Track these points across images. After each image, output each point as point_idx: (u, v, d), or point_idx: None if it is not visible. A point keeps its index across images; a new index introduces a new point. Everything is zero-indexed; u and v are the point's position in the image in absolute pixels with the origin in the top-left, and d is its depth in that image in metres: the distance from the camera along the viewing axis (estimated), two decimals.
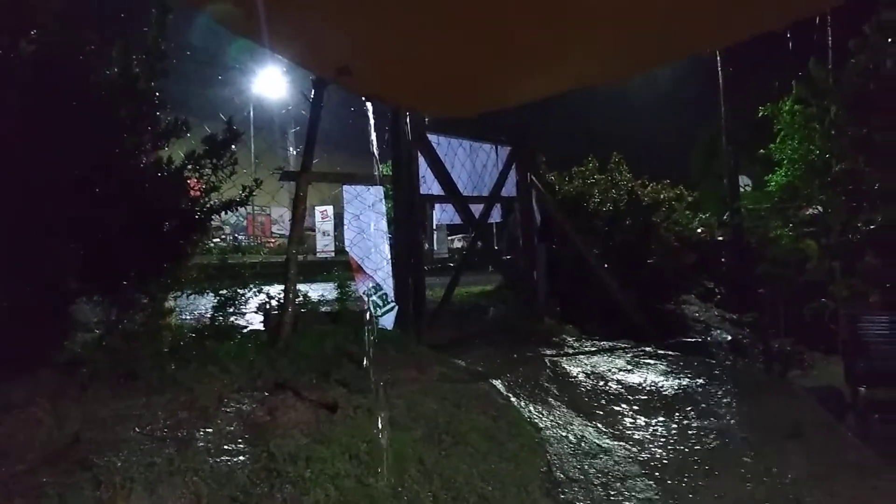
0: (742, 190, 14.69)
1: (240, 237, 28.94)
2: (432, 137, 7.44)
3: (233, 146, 5.32)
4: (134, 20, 5.01)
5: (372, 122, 3.72)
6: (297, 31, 1.75)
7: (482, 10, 1.95)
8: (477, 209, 8.26)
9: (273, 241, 26.26)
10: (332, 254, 22.56)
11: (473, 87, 2.61)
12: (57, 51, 4.54)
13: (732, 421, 5.42)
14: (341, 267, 7.09)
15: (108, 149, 4.75)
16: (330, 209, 24.56)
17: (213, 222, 5.72)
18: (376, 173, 4.62)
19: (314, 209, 24.57)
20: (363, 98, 3.35)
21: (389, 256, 6.71)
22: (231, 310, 5.77)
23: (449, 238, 26.18)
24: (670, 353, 7.27)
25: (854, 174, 9.61)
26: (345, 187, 6.43)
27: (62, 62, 4.56)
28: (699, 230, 14.25)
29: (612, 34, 2.41)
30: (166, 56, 5.05)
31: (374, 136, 3.94)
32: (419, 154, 7.13)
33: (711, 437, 5.16)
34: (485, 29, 2.06)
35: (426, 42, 2.11)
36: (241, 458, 3.82)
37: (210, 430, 4.07)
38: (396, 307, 6.70)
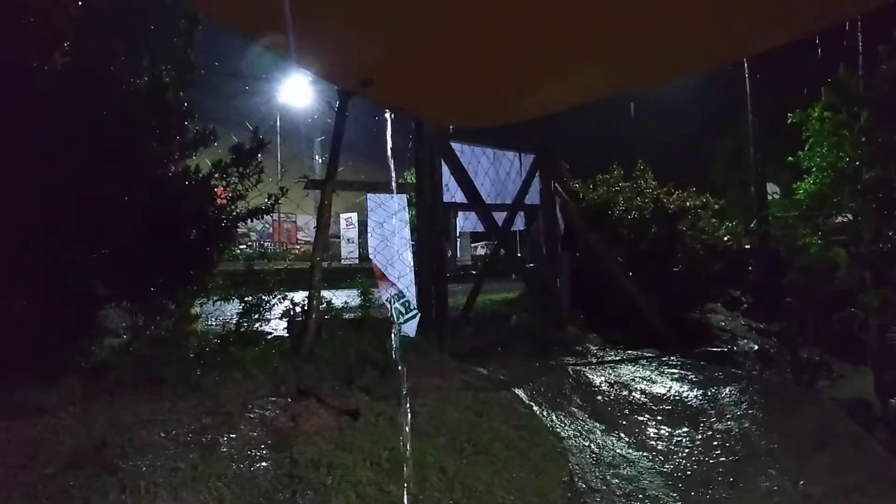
0: (770, 198, 14.52)
1: (266, 243, 29.31)
2: (456, 146, 7.46)
3: (259, 155, 5.38)
4: (163, 31, 5.10)
5: (389, 131, 3.75)
6: (320, 43, 1.78)
7: (505, 22, 1.96)
8: (500, 217, 8.26)
9: (298, 247, 26.48)
10: (357, 260, 22.69)
11: (496, 99, 2.62)
12: (86, 62, 4.63)
13: (758, 432, 5.34)
14: (365, 274, 7.13)
15: (136, 157, 4.83)
16: (354, 216, 24.70)
17: (239, 229, 5.78)
18: (394, 182, 4.63)
19: (339, 217, 24.74)
20: (386, 109, 3.37)
21: (412, 264, 6.73)
22: (256, 316, 5.81)
23: (472, 245, 26.17)
24: (695, 362, 7.20)
25: (885, 182, 9.44)
26: (368, 195, 6.45)
27: (91, 73, 4.65)
28: (726, 238, 14.08)
29: (634, 45, 2.41)
30: (195, 67, 5.13)
31: (390, 144, 3.96)
32: (442, 162, 7.15)
33: (736, 448, 5.10)
34: (508, 40, 2.07)
35: (448, 53, 2.12)
36: (264, 463, 3.86)
37: (234, 435, 4.11)
38: (419, 315, 6.72)
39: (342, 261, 23.86)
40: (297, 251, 25.10)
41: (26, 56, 4.27)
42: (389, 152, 3.96)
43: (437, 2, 1.80)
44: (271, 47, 1.91)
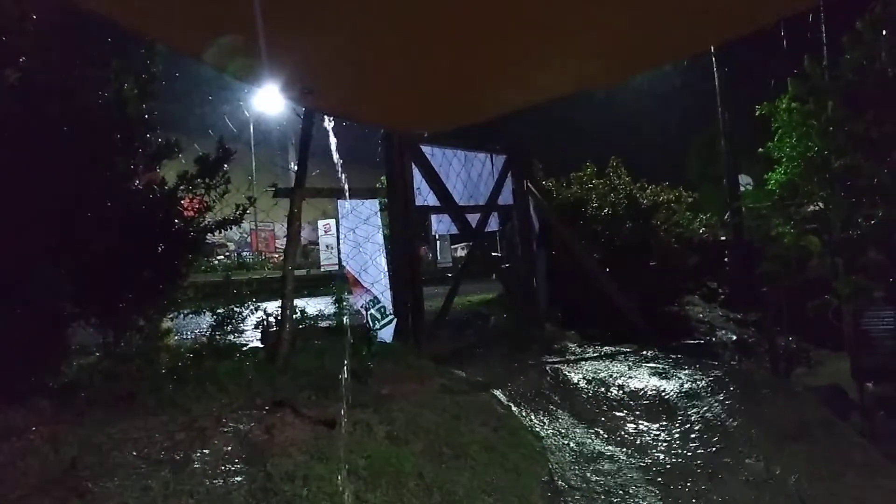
0: (743, 189, 14.68)
1: (244, 253, 29.05)
2: (426, 149, 7.44)
3: (225, 165, 5.32)
4: (124, 43, 5.01)
5: (332, 137, 3.74)
6: (255, 52, 1.74)
7: (449, 24, 1.94)
8: (474, 219, 8.25)
9: (277, 256, 26.30)
10: (336, 267, 22.56)
11: (445, 102, 2.60)
12: (44, 77, 4.55)
13: (735, 423, 5.37)
14: (342, 280, 7.09)
15: (99, 172, 4.76)
16: (333, 223, 24.54)
17: (216, 240, 5.72)
18: (346, 187, 4.63)
19: (317, 223, 24.61)
20: (331, 117, 3.35)
21: (386, 269, 6.72)
22: (229, 328, 5.75)
23: (452, 247, 26.14)
24: (672, 356, 7.23)
25: (853, 170, 9.57)
26: (339, 202, 6.46)
27: (50, 87, 4.58)
28: (702, 231, 14.21)
29: (591, 42, 2.40)
30: (157, 78, 5.06)
31: (335, 149, 3.95)
32: (413, 166, 7.13)
33: (714, 440, 5.13)
34: (454, 42, 2.05)
35: (395, 57, 2.10)
36: (238, 478, 3.80)
37: (207, 451, 4.05)
38: (395, 319, 6.71)
39: (321, 268, 23.71)
40: (275, 260, 24.92)
41: None
42: (336, 157, 3.94)
43: (380, 5, 1.77)
44: (202, 58, 1.87)
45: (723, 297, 12.88)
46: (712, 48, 14.48)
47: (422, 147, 7.33)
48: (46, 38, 4.56)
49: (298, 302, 6.20)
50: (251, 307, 5.97)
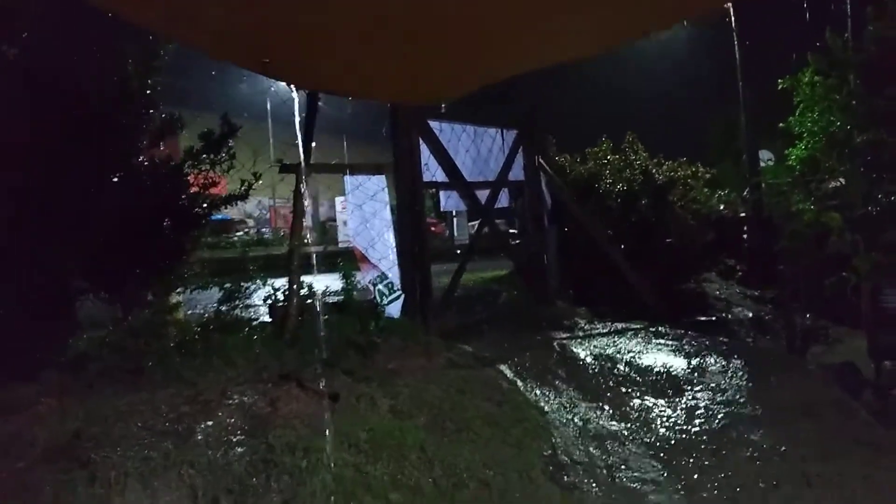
0: (764, 164, 14.42)
1: (264, 230, 29.24)
2: (434, 124, 7.37)
3: (230, 141, 5.32)
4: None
5: (297, 109, 3.71)
6: (219, 27, 1.72)
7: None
8: (483, 195, 8.20)
9: None
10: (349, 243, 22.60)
11: (404, 74, 2.56)
12: (45, 52, 4.57)
13: (742, 400, 5.33)
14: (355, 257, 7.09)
15: (104, 148, 4.79)
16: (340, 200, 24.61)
17: (234, 217, 5.75)
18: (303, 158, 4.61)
19: (334, 200, 24.67)
20: (290, 87, 3.32)
21: (394, 245, 6.72)
22: (238, 303, 5.79)
23: (470, 224, 26.05)
24: (683, 332, 7.18)
25: (874, 145, 9.35)
26: (346, 178, 6.45)
27: (51, 64, 4.60)
28: (721, 207, 14.01)
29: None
30: (159, 53, 5.05)
31: (297, 121, 3.92)
32: (420, 141, 7.08)
33: (720, 416, 5.09)
34: (408, 17, 2.01)
35: (347, 26, 2.06)
36: (240, 449, 3.85)
37: (210, 423, 4.10)
38: (403, 295, 6.72)
39: (339, 244, 23.80)
40: None
41: None
42: (298, 128, 3.90)
43: None
44: (161, 32, 1.85)
45: (740, 274, 12.72)
46: (733, 21, 14.21)
47: (430, 122, 7.27)
48: (47, 12, 4.57)
49: (315, 278, 6.21)
50: (261, 283, 6.00)
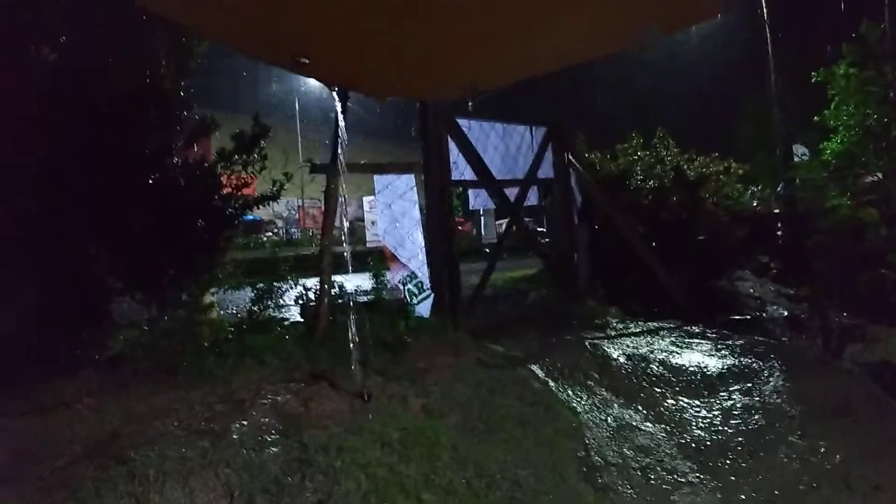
0: (799, 159, 14.15)
1: (293, 230, 29.44)
2: (462, 122, 7.34)
3: (262, 142, 5.36)
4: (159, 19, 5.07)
5: (339, 108, 3.70)
6: (251, 24, 1.72)
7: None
8: (512, 193, 8.15)
9: None
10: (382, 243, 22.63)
11: (428, 72, 2.55)
12: (82, 55, 4.65)
13: (779, 400, 5.21)
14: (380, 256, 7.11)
15: (138, 148, 4.85)
16: (367, 200, 24.64)
17: (264, 218, 5.81)
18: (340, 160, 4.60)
19: (362, 200, 24.74)
20: (327, 86, 3.33)
21: (423, 244, 6.72)
22: (269, 303, 5.84)
23: (497, 223, 25.97)
24: (717, 332, 7.07)
25: None
26: (375, 177, 6.46)
27: (86, 67, 4.67)
28: (755, 203, 13.77)
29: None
30: (193, 54, 5.10)
31: (341, 121, 3.92)
32: (449, 139, 7.06)
33: (756, 417, 4.99)
34: (439, 15, 2.00)
35: (381, 26, 2.06)
36: (274, 449, 3.88)
37: (245, 422, 4.14)
38: (432, 295, 6.72)
39: (367, 244, 23.86)
40: None
41: (21, 51, 4.28)
42: (342, 128, 3.91)
43: None
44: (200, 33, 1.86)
45: (775, 271, 12.48)
46: (765, 11, 13.95)
47: (458, 120, 7.25)
48: (83, 14, 4.64)
49: (343, 278, 6.23)
50: (292, 283, 6.04)
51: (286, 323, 6.18)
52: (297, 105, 25.86)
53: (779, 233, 13.15)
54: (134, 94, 4.78)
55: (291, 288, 6.04)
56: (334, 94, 5.22)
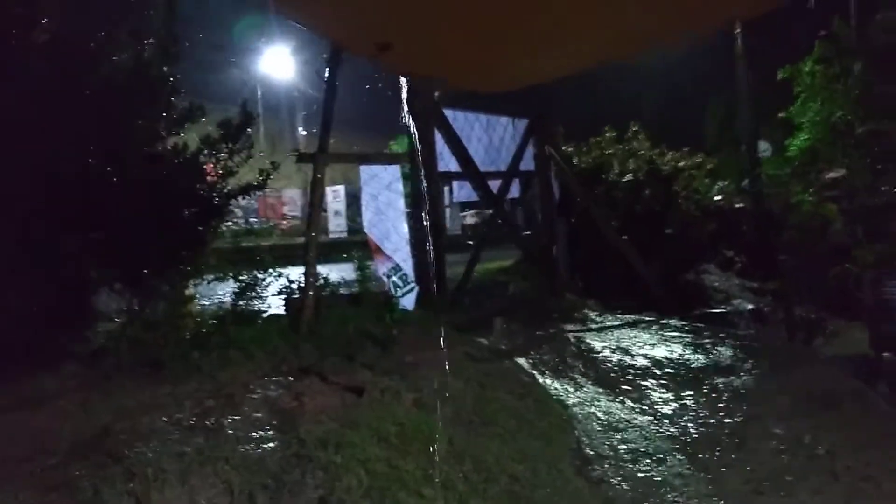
0: (761, 156, 14.45)
1: (252, 219, 28.92)
2: (448, 112, 7.29)
3: (248, 130, 5.23)
4: (144, 3, 4.90)
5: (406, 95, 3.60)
6: (340, 8, 1.67)
7: None
8: (494, 185, 8.14)
9: (285, 223, 26.18)
10: (345, 234, 22.41)
11: (503, 63, 2.52)
12: (67, 38, 4.46)
13: (762, 393, 5.34)
14: (355, 247, 7.03)
15: (122, 136, 4.69)
16: (342, 189, 24.34)
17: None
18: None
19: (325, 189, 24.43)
20: (400, 75, 3.27)
21: (408, 236, 6.66)
22: (252, 294, 5.72)
23: (461, 214, 25.86)
24: (695, 325, 7.20)
25: (880, 135, 9.40)
26: (361, 168, 6.37)
27: (73, 49, 4.49)
28: (717, 198, 14.02)
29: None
30: (178, 40, 4.94)
31: (406, 111, 3.85)
32: (435, 130, 7.00)
33: (741, 409, 5.10)
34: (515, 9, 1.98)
35: (461, 19, 2.03)
36: (271, 444, 3.79)
37: (238, 417, 4.05)
38: (417, 287, 6.67)
39: (330, 234, 23.60)
40: (283, 227, 24.80)
41: (6, 32, 4.09)
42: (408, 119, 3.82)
43: None
44: (285, 14, 1.79)
45: (739, 265, 12.75)
46: None
47: (444, 111, 7.18)
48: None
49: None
50: (273, 274, 5.92)
51: (267, 315, 6.06)
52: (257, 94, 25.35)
53: (743, 228, 13.43)
54: (119, 77, 4.60)
55: (276, 280, 5.91)
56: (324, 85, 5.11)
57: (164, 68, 4.95)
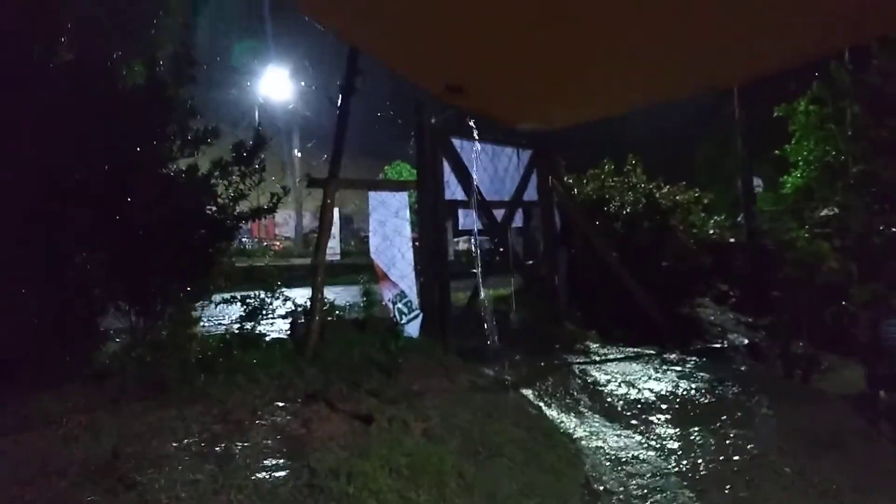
0: (755, 192, 14.61)
1: (244, 239, 28.79)
2: (455, 142, 7.33)
3: (261, 153, 5.23)
4: (161, 25, 4.91)
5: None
6: (416, 48, 1.70)
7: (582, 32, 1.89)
8: (498, 214, 8.16)
9: (278, 243, 26.07)
10: (338, 256, 22.32)
11: (564, 102, 2.57)
12: (85, 58, 4.47)
13: (767, 430, 5.33)
14: (348, 270, 7.01)
15: (135, 156, 4.67)
16: (336, 211, 24.31)
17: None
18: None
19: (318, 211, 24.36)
20: (468, 115, 3.31)
21: (414, 263, 6.65)
22: (258, 317, 5.67)
23: (454, 240, 25.84)
24: (695, 359, 7.19)
25: (874, 176, 9.54)
26: (370, 194, 6.37)
27: (89, 70, 4.48)
28: (711, 232, 14.14)
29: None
30: (194, 62, 4.95)
31: (477, 150, 3.86)
32: (443, 159, 7.03)
33: (749, 446, 5.07)
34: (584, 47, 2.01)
35: (525, 61, 2.07)
36: (282, 473, 3.73)
37: (247, 444, 3.99)
38: (421, 315, 6.65)
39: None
40: (276, 248, 24.70)
41: (28, 51, 4.08)
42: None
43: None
44: (365, 50, 1.80)
45: (734, 299, 12.81)
46: None
47: (452, 140, 7.22)
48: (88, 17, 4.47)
49: (298, 292, 6.10)
50: (280, 297, 5.87)
51: (269, 339, 6.00)
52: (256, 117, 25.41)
53: (738, 262, 13.51)
54: (135, 97, 4.60)
55: (283, 304, 5.87)
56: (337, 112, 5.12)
57: (180, 90, 4.95)
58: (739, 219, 13.93)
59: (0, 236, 4.22)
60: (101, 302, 4.83)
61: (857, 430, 5.46)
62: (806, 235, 11.34)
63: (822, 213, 12.39)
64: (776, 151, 12.91)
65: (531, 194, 8.72)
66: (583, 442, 5.10)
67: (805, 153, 12.12)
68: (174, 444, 3.87)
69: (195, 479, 3.44)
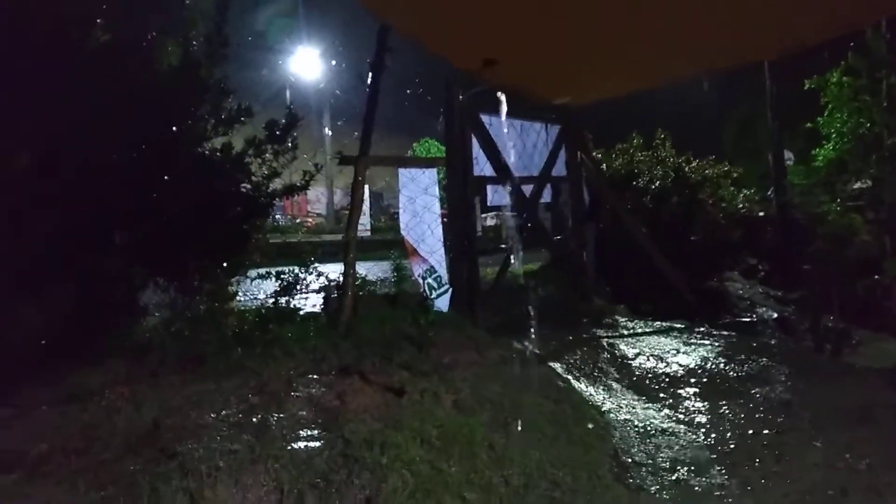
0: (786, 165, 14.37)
1: (277, 216, 29.09)
2: (484, 118, 7.32)
3: (293, 132, 5.29)
4: (195, 4, 4.96)
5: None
6: (450, 24, 1.73)
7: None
8: (526, 189, 8.16)
9: (311, 220, 26.31)
10: (369, 232, 22.46)
11: (601, 75, 2.58)
12: (121, 38, 4.54)
13: (797, 404, 5.33)
14: (379, 246, 7.08)
15: (171, 136, 4.76)
16: (365, 188, 24.45)
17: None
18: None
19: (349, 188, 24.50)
20: (498, 90, 3.33)
21: (443, 239, 6.71)
22: (294, 292, 5.77)
23: (482, 216, 25.86)
24: (724, 333, 7.18)
25: None
26: (399, 170, 6.42)
27: (125, 50, 4.56)
28: (740, 206, 13.98)
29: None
30: (228, 42, 5.01)
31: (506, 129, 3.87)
32: (472, 135, 7.04)
33: (779, 420, 5.08)
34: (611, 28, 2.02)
35: (561, 36, 2.08)
36: (317, 443, 3.83)
37: (283, 415, 4.10)
38: (451, 289, 6.72)
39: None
40: (308, 224, 24.93)
41: (64, 31, 4.17)
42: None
43: None
44: (400, 29, 1.84)
45: (762, 273, 12.68)
46: None
47: (481, 116, 7.21)
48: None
49: (331, 267, 6.19)
50: (314, 273, 5.96)
51: (303, 313, 6.12)
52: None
53: (767, 236, 13.35)
54: (170, 77, 4.68)
55: (316, 279, 5.97)
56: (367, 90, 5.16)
57: (213, 69, 5.02)
58: (769, 192, 13.72)
59: (45, 218, 4.33)
60: (141, 279, 4.96)
61: (890, 404, 5.41)
62: (838, 209, 11.18)
63: (855, 186, 12.20)
64: (808, 124, 12.67)
65: (560, 169, 8.71)
66: (611, 415, 5.16)
67: (838, 125, 11.89)
68: (212, 416, 3.99)
69: (233, 449, 3.55)
